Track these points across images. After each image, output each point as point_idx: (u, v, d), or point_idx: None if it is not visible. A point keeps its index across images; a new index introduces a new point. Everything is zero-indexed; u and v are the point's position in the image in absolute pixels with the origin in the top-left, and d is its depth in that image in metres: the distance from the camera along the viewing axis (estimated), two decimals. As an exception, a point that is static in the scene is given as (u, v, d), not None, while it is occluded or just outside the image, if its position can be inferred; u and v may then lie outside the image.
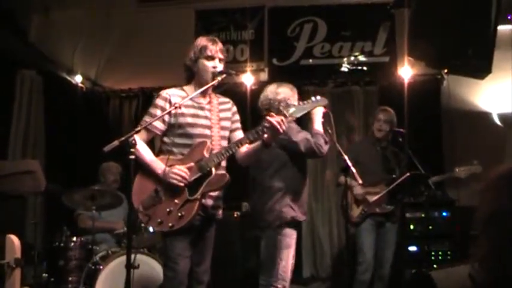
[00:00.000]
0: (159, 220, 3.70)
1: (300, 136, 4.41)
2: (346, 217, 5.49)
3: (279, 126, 3.60)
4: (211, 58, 3.87)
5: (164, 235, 3.84)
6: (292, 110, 3.78)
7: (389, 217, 5.68)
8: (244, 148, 3.89)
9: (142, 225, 5.30)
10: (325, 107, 4.53)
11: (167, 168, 3.68)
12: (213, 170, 3.74)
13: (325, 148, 4.43)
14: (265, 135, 3.71)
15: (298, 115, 3.85)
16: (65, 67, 7.98)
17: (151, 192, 3.72)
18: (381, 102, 6.84)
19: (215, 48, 3.90)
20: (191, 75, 3.97)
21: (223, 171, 3.83)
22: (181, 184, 3.67)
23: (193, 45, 3.94)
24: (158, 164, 3.73)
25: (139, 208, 3.70)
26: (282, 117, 3.64)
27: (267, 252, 4.44)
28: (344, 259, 7.10)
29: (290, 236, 4.42)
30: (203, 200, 3.77)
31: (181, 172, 3.67)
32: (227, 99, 4.14)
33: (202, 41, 3.94)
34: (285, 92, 4.55)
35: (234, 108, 4.14)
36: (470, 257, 1.22)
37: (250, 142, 3.82)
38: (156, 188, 3.71)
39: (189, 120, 3.82)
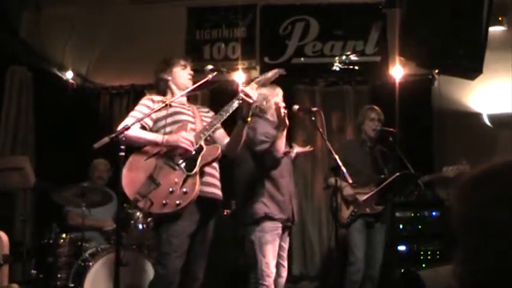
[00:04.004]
0: (164, 202, 3.70)
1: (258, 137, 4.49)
2: (335, 217, 5.49)
3: (251, 94, 3.78)
4: (185, 66, 4.16)
5: (159, 231, 3.84)
6: (257, 80, 4.02)
7: (379, 217, 5.69)
8: (226, 140, 4.07)
9: (132, 222, 5.30)
10: (314, 109, 4.61)
11: (173, 136, 3.81)
12: (203, 144, 3.84)
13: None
14: (243, 111, 3.89)
15: (262, 83, 4.07)
16: (56, 63, 7.93)
17: (145, 179, 3.73)
18: (372, 102, 6.83)
19: (186, 61, 4.21)
20: (164, 86, 4.17)
21: (214, 144, 3.96)
22: (191, 149, 3.76)
23: (164, 59, 4.23)
24: (159, 136, 3.84)
25: (137, 197, 3.69)
26: (253, 85, 3.89)
27: (250, 250, 4.49)
28: (333, 258, 7.11)
29: (270, 232, 4.45)
30: (202, 178, 3.84)
31: (189, 137, 3.78)
32: (204, 106, 4.49)
33: (172, 57, 4.25)
34: (262, 94, 4.59)
35: (212, 113, 4.28)
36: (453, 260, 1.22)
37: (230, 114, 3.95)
38: (151, 174, 3.73)
39: (174, 109, 3.97)
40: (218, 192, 4.03)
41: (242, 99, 3.79)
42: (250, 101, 3.80)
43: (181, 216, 3.74)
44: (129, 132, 3.65)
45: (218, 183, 4.05)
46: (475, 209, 1.16)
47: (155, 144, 3.81)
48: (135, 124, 3.77)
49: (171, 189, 3.70)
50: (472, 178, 1.22)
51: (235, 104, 3.86)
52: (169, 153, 3.80)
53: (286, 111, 4.20)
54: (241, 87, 3.85)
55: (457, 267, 1.18)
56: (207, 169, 3.89)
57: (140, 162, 3.83)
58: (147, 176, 3.75)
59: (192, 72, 4.14)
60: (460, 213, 1.19)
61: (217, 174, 4.04)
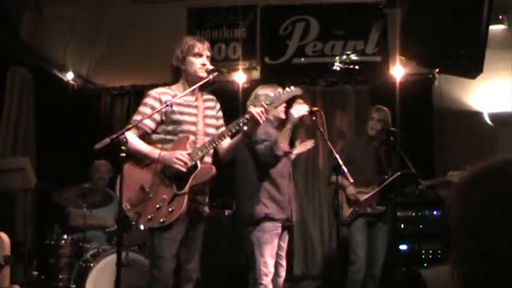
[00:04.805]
0: (149, 216, 3.75)
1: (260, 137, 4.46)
2: (337, 216, 5.48)
3: (259, 117, 3.69)
4: (199, 55, 3.95)
5: (152, 234, 3.87)
6: (269, 100, 3.86)
7: (381, 217, 5.69)
8: (226, 144, 3.99)
9: (133, 223, 5.31)
10: (314, 109, 4.58)
11: (168, 154, 3.75)
12: (198, 163, 3.80)
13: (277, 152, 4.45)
14: (246, 127, 3.80)
15: (276, 105, 3.98)
16: (57, 64, 7.94)
17: (137, 189, 3.74)
18: (372, 102, 6.85)
19: (203, 46, 3.97)
20: (178, 74, 4.03)
21: (209, 164, 3.91)
22: (184, 169, 3.73)
23: (180, 44, 4.00)
24: (155, 152, 3.79)
25: (127, 206, 3.73)
26: (262, 109, 3.74)
27: (248, 250, 4.50)
28: (335, 258, 7.10)
29: (270, 231, 4.46)
30: (191, 195, 3.82)
31: (183, 158, 3.73)
32: (211, 96, 4.22)
33: (189, 40, 4.02)
34: (264, 94, 4.57)
35: (218, 105, 4.21)
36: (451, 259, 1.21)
37: (232, 135, 3.90)
38: (142, 185, 3.75)
39: (177, 117, 3.88)
40: (205, 209, 4.05)
41: (248, 120, 3.74)
42: (260, 122, 3.74)
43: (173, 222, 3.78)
44: (130, 142, 3.64)
45: (206, 200, 4.06)
46: (475, 207, 1.15)
47: (151, 159, 3.80)
48: (136, 125, 3.78)
49: (158, 206, 3.74)
50: (472, 176, 1.21)
51: (241, 124, 3.77)
52: (165, 167, 3.80)
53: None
54: (250, 109, 3.76)
55: (455, 266, 1.17)
56: (198, 185, 3.90)
57: (136, 169, 3.85)
58: (139, 186, 3.78)
59: (205, 62, 3.94)
60: (459, 212, 1.18)
61: (206, 190, 4.03)
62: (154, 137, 3.92)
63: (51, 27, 7.95)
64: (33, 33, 7.92)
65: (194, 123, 3.93)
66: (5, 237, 4.17)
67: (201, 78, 3.92)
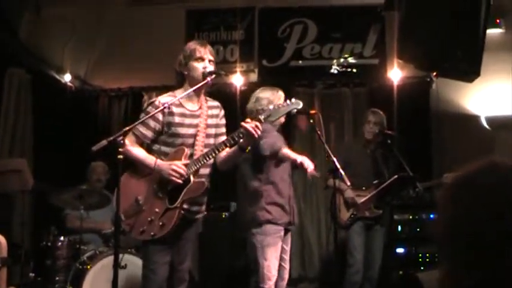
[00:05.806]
0: (141, 229, 3.77)
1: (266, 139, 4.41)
2: (334, 219, 5.48)
3: (253, 132, 3.62)
4: (201, 59, 3.90)
5: (146, 241, 3.88)
6: (266, 114, 3.76)
7: (378, 220, 5.70)
8: (224, 153, 3.91)
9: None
10: (312, 112, 4.58)
11: (165, 164, 3.74)
12: (191, 177, 3.77)
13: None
14: (242, 141, 3.73)
15: (273, 119, 3.85)
16: (55, 66, 7.92)
17: (132, 201, 3.75)
18: (370, 104, 6.85)
19: (204, 49, 3.93)
20: (182, 80, 3.98)
21: (202, 179, 3.86)
22: (180, 181, 3.71)
23: (183, 50, 3.97)
24: (152, 160, 3.78)
25: (122, 217, 3.71)
26: (257, 123, 3.65)
27: (251, 254, 4.48)
28: (332, 260, 7.11)
29: (272, 234, 4.44)
30: (184, 206, 3.81)
31: (180, 170, 3.71)
32: (216, 103, 4.16)
33: (191, 45, 3.99)
34: (266, 97, 4.55)
35: (222, 113, 4.16)
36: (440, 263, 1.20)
37: (230, 147, 3.84)
38: (137, 197, 3.75)
39: (176, 130, 3.85)
40: (199, 216, 4.05)
41: (243, 134, 3.67)
42: (255, 137, 3.66)
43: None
44: (128, 149, 3.65)
45: (203, 208, 4.06)
46: (467, 210, 1.15)
47: (148, 167, 3.79)
48: (134, 132, 3.77)
49: (149, 219, 3.75)
50: (460, 178, 1.21)
51: (236, 138, 3.71)
52: (161, 179, 3.78)
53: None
54: (243, 123, 3.65)
55: (446, 270, 1.16)
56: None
57: (133, 180, 3.85)
58: (135, 197, 3.78)
59: (207, 65, 3.89)
60: (449, 215, 1.17)
61: (203, 200, 4.02)
62: (154, 147, 3.89)
63: (51, 27, 7.94)
64: (31, 34, 7.91)
65: (193, 136, 3.88)
66: (2, 239, 4.17)
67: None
